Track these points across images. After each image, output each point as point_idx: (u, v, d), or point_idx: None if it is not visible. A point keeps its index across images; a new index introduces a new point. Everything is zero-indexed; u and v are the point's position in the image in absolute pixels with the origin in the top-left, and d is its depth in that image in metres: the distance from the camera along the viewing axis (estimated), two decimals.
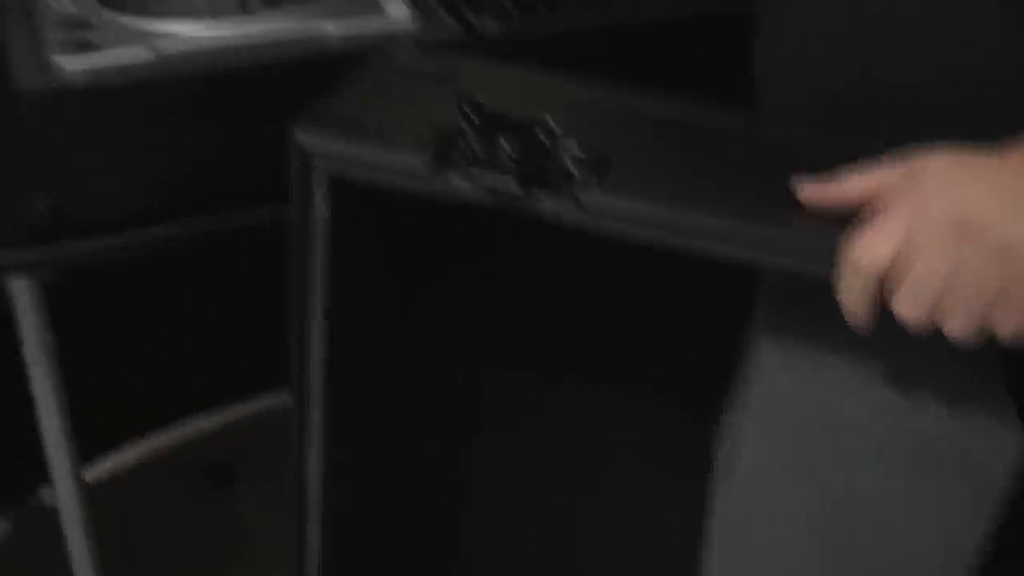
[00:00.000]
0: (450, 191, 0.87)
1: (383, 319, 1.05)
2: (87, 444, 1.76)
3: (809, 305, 0.91)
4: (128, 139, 1.13)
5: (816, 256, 0.82)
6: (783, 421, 0.96)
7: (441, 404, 1.14)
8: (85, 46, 1.13)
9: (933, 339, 0.81)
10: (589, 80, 0.98)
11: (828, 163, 0.85)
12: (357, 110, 0.93)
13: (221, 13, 1.18)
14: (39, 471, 1.72)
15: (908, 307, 0.80)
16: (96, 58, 1.11)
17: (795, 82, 1.03)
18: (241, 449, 2.01)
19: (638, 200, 0.84)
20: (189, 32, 1.16)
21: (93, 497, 1.68)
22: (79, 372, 1.63)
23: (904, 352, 0.90)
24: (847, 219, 0.82)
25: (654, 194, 0.85)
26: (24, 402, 1.61)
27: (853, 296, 0.82)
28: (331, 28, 1.17)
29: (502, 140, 0.86)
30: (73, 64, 1.11)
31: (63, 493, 1.63)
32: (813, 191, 0.85)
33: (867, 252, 0.80)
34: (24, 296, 1.29)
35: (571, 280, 1.04)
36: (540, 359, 1.12)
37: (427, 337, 1.08)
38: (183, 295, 1.91)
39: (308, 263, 0.95)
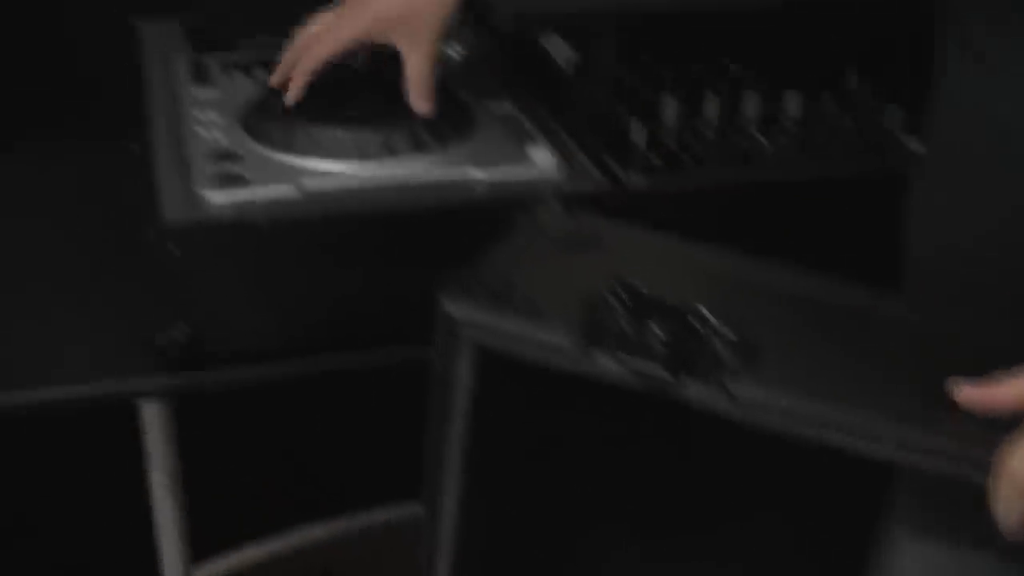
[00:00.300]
0: (597, 371, 0.86)
1: (518, 476, 1.04)
2: (199, 545, 1.77)
3: (954, 505, 0.88)
4: (270, 274, 1.14)
5: (971, 463, 0.80)
6: None
7: (569, 567, 1.13)
8: (233, 180, 1.14)
9: None
10: (735, 250, 0.96)
11: (986, 356, 0.83)
12: (504, 278, 0.92)
13: (368, 154, 1.18)
14: (148, 567, 1.74)
15: None
16: (243, 193, 1.13)
17: (949, 250, 1.01)
18: (351, 560, 2.01)
19: (790, 395, 0.83)
20: (336, 171, 1.17)
21: None
22: (197, 473, 1.64)
23: None
24: (1007, 424, 0.80)
25: (805, 389, 0.83)
26: (138, 498, 1.62)
27: (1008, 507, 0.79)
28: (477, 174, 1.17)
29: (652, 324, 0.85)
30: (220, 198, 1.12)
31: None
32: (971, 394, 0.82)
33: None
34: (153, 419, 1.31)
35: (706, 458, 1.03)
36: (670, 536, 1.11)
37: (559, 498, 1.07)
38: (306, 407, 1.92)
39: (448, 422, 0.94)
